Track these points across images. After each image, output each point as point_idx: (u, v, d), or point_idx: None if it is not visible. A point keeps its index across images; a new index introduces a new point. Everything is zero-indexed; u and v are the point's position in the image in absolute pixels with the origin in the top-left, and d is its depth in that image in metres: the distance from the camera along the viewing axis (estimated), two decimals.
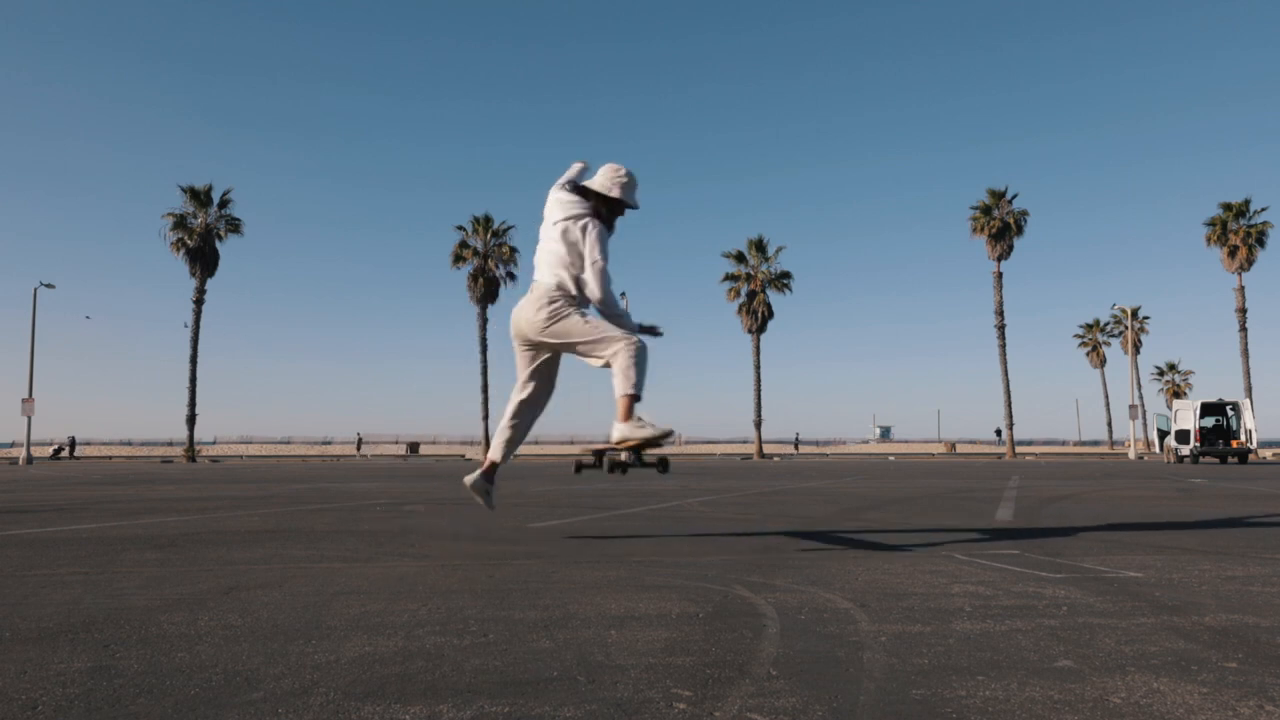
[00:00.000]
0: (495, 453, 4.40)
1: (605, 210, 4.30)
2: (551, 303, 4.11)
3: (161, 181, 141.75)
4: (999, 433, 50.64)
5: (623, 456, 3.56)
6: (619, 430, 3.86)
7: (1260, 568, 3.26)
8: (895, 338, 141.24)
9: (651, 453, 4.00)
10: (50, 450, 49.83)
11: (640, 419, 3.90)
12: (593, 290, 4.12)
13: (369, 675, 1.72)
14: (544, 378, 4.40)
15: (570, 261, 4.14)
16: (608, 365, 4.01)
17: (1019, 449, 51.30)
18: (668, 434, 3.82)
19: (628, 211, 4.39)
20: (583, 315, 4.11)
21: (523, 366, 4.36)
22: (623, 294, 4.33)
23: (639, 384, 3.92)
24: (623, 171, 4.30)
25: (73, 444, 54.28)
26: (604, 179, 4.30)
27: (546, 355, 4.33)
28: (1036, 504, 7.17)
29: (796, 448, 59.49)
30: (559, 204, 4.28)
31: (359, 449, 57.08)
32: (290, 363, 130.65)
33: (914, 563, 3.40)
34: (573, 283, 4.14)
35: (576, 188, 4.33)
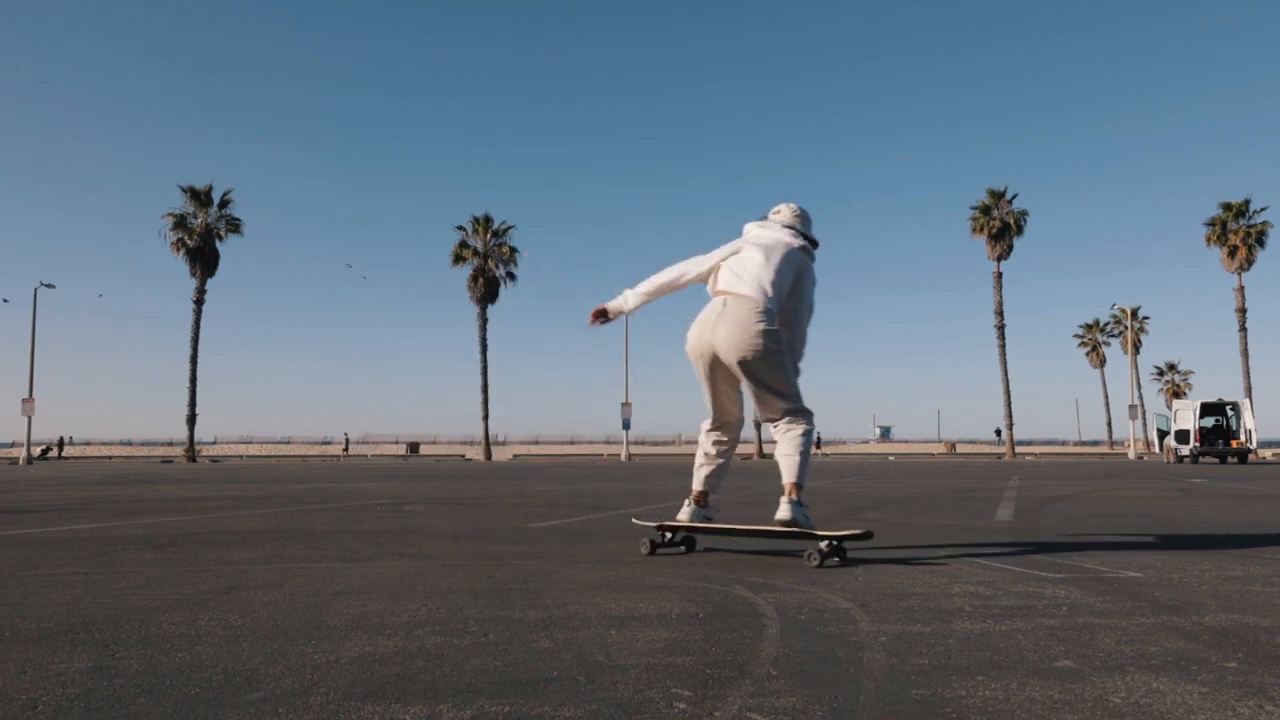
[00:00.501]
0: (700, 484, 3.92)
1: None
2: (769, 325, 3.57)
3: (161, 181, 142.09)
4: (999, 433, 50.62)
5: (824, 545, 3.41)
6: (785, 509, 3.52)
7: (1260, 568, 3.26)
8: (895, 338, 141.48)
9: (849, 542, 3.67)
10: (38, 450, 49.40)
11: (808, 508, 3.62)
12: (800, 342, 3.86)
13: (369, 675, 1.72)
14: (738, 404, 3.86)
15: (783, 287, 3.72)
16: (769, 421, 3.67)
17: (1019, 449, 51.31)
18: (867, 535, 3.48)
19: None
20: (787, 358, 3.66)
21: (713, 395, 3.84)
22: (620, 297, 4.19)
23: (806, 474, 3.64)
24: (806, 214, 4.02)
25: (61, 444, 54.04)
26: (795, 219, 3.98)
27: (723, 383, 3.79)
28: (1036, 504, 7.17)
29: (819, 446, 59.36)
30: (785, 228, 3.91)
31: (346, 450, 55.48)
32: (290, 363, 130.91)
33: (914, 563, 3.40)
34: (778, 305, 3.69)
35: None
